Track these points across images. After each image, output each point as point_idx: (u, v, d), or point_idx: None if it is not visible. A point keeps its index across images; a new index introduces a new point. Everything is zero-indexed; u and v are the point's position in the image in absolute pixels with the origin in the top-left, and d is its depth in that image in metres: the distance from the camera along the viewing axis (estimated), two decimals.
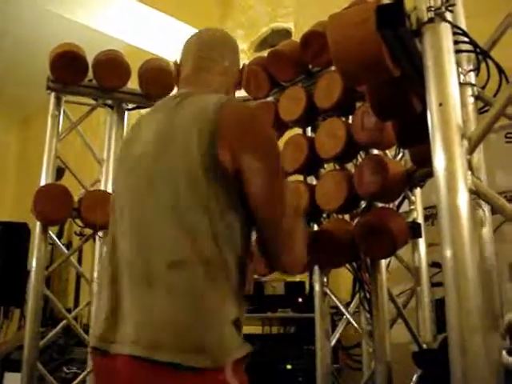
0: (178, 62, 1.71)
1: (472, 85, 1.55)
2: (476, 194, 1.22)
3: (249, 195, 1.39)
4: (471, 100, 1.55)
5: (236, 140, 1.38)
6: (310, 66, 2.48)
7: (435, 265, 2.96)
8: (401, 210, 2.42)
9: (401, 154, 2.52)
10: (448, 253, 1.15)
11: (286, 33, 4.65)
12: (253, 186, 1.39)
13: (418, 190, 2.51)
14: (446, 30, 1.29)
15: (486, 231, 1.48)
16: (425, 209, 2.68)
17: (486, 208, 1.46)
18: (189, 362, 1.24)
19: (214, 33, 1.77)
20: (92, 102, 2.99)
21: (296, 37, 3.01)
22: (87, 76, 2.80)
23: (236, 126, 1.40)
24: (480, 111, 1.61)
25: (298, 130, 2.58)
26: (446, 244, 1.16)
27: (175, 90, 1.71)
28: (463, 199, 1.17)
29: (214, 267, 1.33)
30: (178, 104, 1.49)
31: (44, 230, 2.69)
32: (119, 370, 1.30)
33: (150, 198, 1.40)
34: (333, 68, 2.35)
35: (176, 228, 1.34)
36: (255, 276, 3.33)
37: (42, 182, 2.72)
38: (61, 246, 2.98)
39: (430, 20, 1.28)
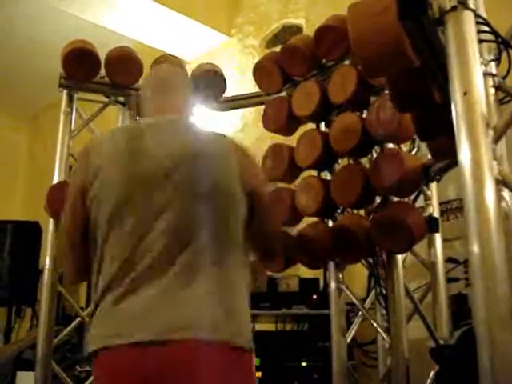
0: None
1: (493, 75, 1.53)
2: (502, 183, 1.20)
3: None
4: (492, 91, 1.53)
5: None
6: (324, 61, 2.46)
7: (451, 260, 2.95)
8: (416, 205, 2.40)
9: (415, 149, 2.50)
10: (475, 243, 1.13)
11: (297, 29, 4.63)
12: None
13: (433, 185, 2.49)
14: (469, 18, 1.27)
15: (510, 224, 1.46)
16: (440, 204, 2.66)
17: (510, 200, 1.44)
18: None
19: (173, 62, 2.00)
20: (104, 99, 2.98)
21: (307, 33, 2.99)
22: (99, 73, 2.79)
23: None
24: (500, 102, 1.59)
25: (311, 126, 2.57)
26: (473, 234, 1.14)
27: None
28: (489, 189, 1.15)
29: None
30: (186, 129, 1.74)
31: (57, 228, 2.68)
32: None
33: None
34: (346, 62, 2.34)
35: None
36: (269, 273, 3.32)
37: (55, 180, 2.72)
38: None
39: (453, 8, 1.26)
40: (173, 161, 1.59)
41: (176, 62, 2.00)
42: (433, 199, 2.49)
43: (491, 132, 1.21)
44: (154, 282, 1.48)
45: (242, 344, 1.50)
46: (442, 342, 2.38)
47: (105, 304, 1.52)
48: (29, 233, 4.78)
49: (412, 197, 2.38)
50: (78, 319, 2.83)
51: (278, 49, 2.64)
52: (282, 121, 2.52)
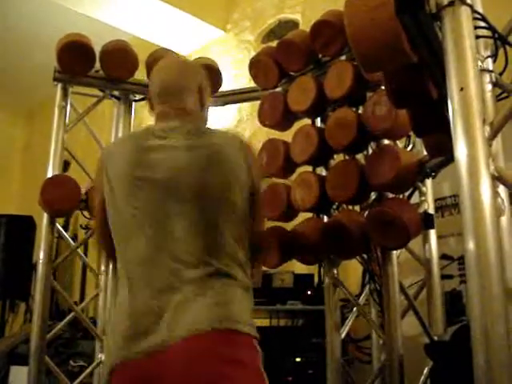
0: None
1: (490, 71, 1.53)
2: (498, 179, 1.20)
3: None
4: (489, 87, 1.52)
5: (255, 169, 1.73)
6: (320, 56, 2.45)
7: (445, 257, 2.95)
8: (411, 202, 2.40)
9: (411, 145, 2.50)
10: (471, 240, 1.13)
11: (293, 24, 4.62)
12: None
13: (428, 181, 2.49)
14: (466, 13, 1.26)
15: (504, 220, 1.46)
16: (435, 200, 2.65)
17: (505, 197, 1.44)
18: None
19: (178, 61, 2.01)
20: (98, 93, 2.97)
21: (303, 28, 2.99)
22: (94, 67, 2.78)
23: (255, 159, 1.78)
24: (497, 98, 1.59)
25: (307, 121, 2.56)
26: (469, 231, 1.14)
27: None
28: (485, 185, 1.15)
29: None
30: (194, 135, 1.67)
31: (51, 222, 2.67)
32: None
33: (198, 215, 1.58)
34: (343, 57, 2.33)
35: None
36: (264, 268, 3.32)
37: (49, 174, 2.70)
38: (68, 237, 2.96)
39: (450, 3, 1.26)
40: (170, 178, 1.61)
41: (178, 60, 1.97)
42: (428, 196, 2.49)
43: (488, 128, 1.21)
44: None
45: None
46: (436, 338, 2.38)
47: None
48: (23, 227, 4.77)
49: (407, 193, 2.38)
50: (72, 314, 2.82)
51: (274, 44, 2.63)
52: (278, 116, 2.51)
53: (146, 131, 1.74)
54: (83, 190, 2.72)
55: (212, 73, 2.82)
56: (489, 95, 1.50)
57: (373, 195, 2.34)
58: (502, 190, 1.44)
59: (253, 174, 1.69)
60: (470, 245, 1.13)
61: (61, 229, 2.81)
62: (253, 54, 3.52)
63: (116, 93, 2.93)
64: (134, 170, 1.63)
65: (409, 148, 2.49)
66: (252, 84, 2.75)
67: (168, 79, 1.81)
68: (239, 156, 1.66)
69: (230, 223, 1.60)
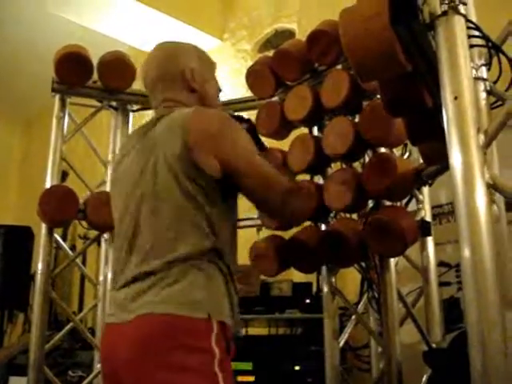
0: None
1: (484, 79, 1.54)
2: (493, 187, 1.21)
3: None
4: (483, 95, 1.53)
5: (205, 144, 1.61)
6: (316, 65, 2.46)
7: (442, 264, 2.95)
8: (408, 209, 2.41)
9: (407, 153, 2.51)
10: (466, 247, 1.14)
11: (290, 34, 4.65)
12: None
13: (425, 189, 2.50)
14: (459, 22, 1.27)
15: (501, 227, 1.47)
16: (432, 208, 2.66)
17: (501, 204, 1.45)
18: None
19: (168, 49, 1.87)
20: (96, 104, 2.98)
21: (300, 37, 3.00)
22: (92, 77, 2.79)
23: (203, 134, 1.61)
24: (492, 106, 1.60)
25: (303, 130, 2.57)
26: (464, 238, 1.14)
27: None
28: (480, 193, 1.16)
29: None
30: (148, 131, 1.70)
31: (49, 233, 2.68)
32: None
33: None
34: (339, 67, 2.34)
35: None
36: (262, 277, 3.33)
37: (47, 184, 2.71)
38: (66, 247, 2.96)
39: (444, 13, 1.27)
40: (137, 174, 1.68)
41: (154, 55, 1.86)
42: (425, 203, 2.50)
43: (482, 136, 1.22)
44: None
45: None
46: (434, 345, 2.38)
47: None
48: (21, 237, 4.78)
49: (404, 201, 2.39)
50: (71, 324, 2.82)
51: (270, 53, 2.65)
52: (275, 125, 2.52)
53: (135, 130, 1.86)
54: (81, 201, 2.73)
55: None
56: (483, 103, 1.52)
57: (370, 203, 2.35)
58: (499, 197, 1.46)
59: (196, 153, 1.55)
60: (466, 252, 1.14)
61: (59, 239, 2.81)
62: (249, 63, 3.53)
63: (114, 103, 2.95)
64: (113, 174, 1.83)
65: (405, 156, 2.50)
66: (249, 93, 2.76)
67: (147, 75, 1.83)
68: (176, 141, 1.56)
69: (161, 217, 1.58)
